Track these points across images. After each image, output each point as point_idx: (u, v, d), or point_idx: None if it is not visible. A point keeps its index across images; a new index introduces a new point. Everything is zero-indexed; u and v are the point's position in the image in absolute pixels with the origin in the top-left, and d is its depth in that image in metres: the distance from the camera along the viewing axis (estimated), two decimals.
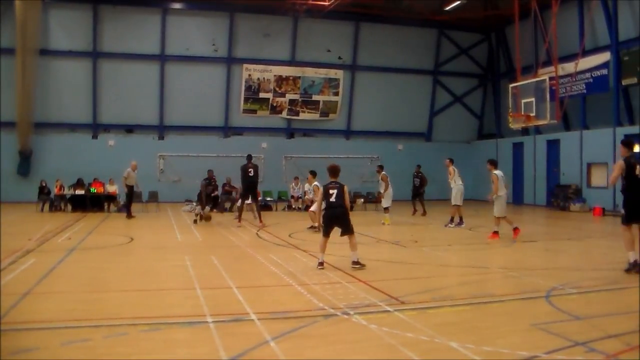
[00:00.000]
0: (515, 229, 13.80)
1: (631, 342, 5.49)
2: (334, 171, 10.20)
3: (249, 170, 17.55)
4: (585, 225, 18.32)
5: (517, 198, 27.93)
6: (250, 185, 17.60)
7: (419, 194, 21.96)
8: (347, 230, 9.80)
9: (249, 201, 18.37)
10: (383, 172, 18.93)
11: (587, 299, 7.66)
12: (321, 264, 9.72)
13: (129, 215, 19.93)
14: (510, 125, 21.69)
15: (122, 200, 23.29)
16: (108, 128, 28.58)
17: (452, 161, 17.77)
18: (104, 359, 5.13)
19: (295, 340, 5.66)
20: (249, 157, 18.15)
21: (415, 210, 21.67)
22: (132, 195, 20.27)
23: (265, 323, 6.17)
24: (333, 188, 9.92)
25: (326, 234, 9.90)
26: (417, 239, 14.27)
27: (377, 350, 5.40)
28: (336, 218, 9.87)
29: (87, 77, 27.52)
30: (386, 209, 18.34)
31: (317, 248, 10.66)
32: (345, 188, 9.95)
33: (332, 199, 9.85)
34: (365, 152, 30.08)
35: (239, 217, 17.77)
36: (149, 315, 6.59)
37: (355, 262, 9.66)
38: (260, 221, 17.19)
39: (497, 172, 13.88)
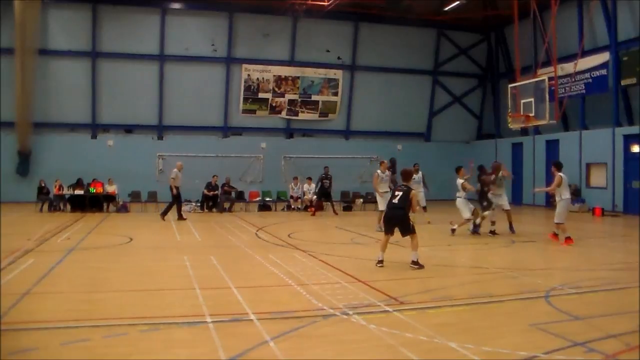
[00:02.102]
0: (567, 239, 12.77)
1: (631, 342, 5.50)
2: (407, 175, 10.68)
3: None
4: (585, 226, 18.31)
5: (516, 198, 27.92)
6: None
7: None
8: (407, 230, 10.03)
9: None
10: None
11: (586, 299, 7.66)
12: (380, 262, 9.96)
13: (180, 218, 19.09)
14: (509, 125, 21.65)
15: (121, 200, 23.36)
16: (107, 128, 28.57)
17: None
18: (103, 359, 5.13)
19: (294, 340, 5.66)
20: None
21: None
22: (180, 196, 19.51)
23: (264, 323, 6.17)
24: (399, 190, 10.25)
25: (388, 232, 10.20)
26: None
27: (377, 351, 5.40)
28: (396, 219, 10.12)
29: (86, 77, 27.51)
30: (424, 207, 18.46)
31: (316, 248, 10.71)
32: (413, 193, 10.21)
33: (395, 201, 10.14)
34: (365, 152, 30.07)
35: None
36: (149, 315, 6.58)
37: (415, 262, 9.85)
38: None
39: (561, 174, 12.97)
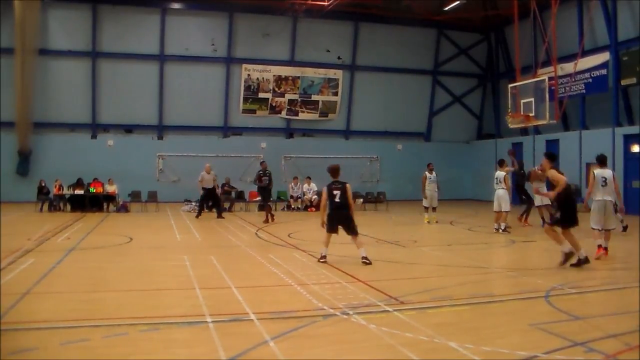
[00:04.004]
0: (599, 247, 10.83)
1: (630, 342, 5.49)
2: (335, 171, 10.42)
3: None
4: (584, 225, 18.24)
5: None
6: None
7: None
8: (352, 230, 10.10)
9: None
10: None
11: (586, 299, 7.67)
12: (323, 257, 10.02)
13: (220, 216, 20.00)
14: (509, 125, 21.68)
15: (121, 200, 23.36)
16: (107, 128, 28.58)
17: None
18: (103, 359, 5.13)
19: (294, 340, 5.66)
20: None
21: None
22: (208, 197, 20.68)
23: (264, 323, 6.16)
24: (336, 188, 10.14)
25: (331, 231, 10.21)
26: (417, 239, 14.28)
27: (377, 350, 5.40)
28: (341, 219, 10.15)
29: (86, 77, 27.52)
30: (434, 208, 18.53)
31: (315, 248, 10.69)
32: (348, 186, 10.17)
33: (337, 199, 10.10)
34: (365, 152, 30.07)
35: None
36: (148, 315, 6.58)
37: (365, 258, 9.94)
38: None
39: (598, 171, 11.08)
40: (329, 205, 10.29)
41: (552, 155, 10.78)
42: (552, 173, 10.06)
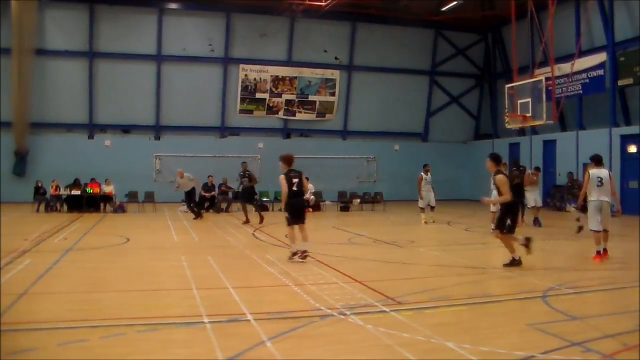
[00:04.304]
0: (597, 254, 10.51)
1: (628, 341, 5.50)
2: (290, 160, 10.71)
3: None
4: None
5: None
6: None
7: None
8: (303, 219, 10.41)
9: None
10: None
11: (583, 299, 7.68)
12: (295, 254, 10.14)
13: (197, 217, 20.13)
14: (506, 125, 21.71)
15: (118, 200, 23.31)
16: (104, 128, 28.55)
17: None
18: (101, 359, 5.12)
19: (291, 340, 5.66)
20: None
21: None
22: (190, 198, 20.70)
23: (261, 323, 6.16)
24: (295, 177, 10.40)
25: (295, 222, 10.40)
26: (414, 239, 14.28)
27: (374, 351, 5.40)
28: (301, 206, 10.45)
29: (83, 77, 27.47)
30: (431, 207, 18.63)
31: (313, 248, 10.67)
32: (302, 174, 10.53)
33: (295, 188, 10.32)
34: (362, 152, 30.08)
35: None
36: (146, 315, 6.57)
37: (304, 252, 10.11)
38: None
39: (593, 171, 10.71)
40: (288, 194, 10.37)
41: (496, 156, 10.09)
42: (499, 179, 9.70)
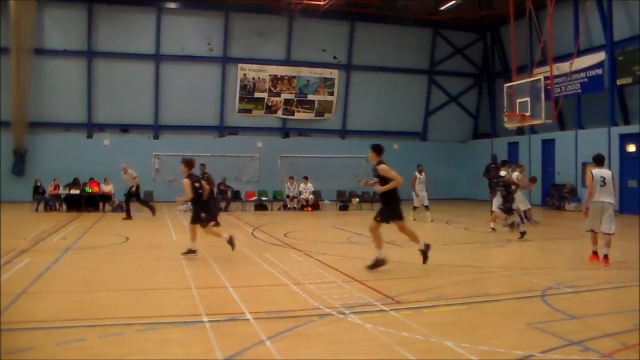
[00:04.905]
0: (594, 254, 10.39)
1: (626, 341, 5.51)
2: (192, 164, 11.25)
3: None
4: (581, 225, 18.14)
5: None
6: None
7: None
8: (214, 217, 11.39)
9: None
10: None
11: (582, 298, 7.68)
12: (194, 251, 10.83)
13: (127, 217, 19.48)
14: (505, 124, 21.73)
15: (117, 199, 23.28)
16: (103, 127, 28.52)
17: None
18: (99, 358, 5.12)
19: (290, 339, 5.66)
20: None
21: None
22: (128, 196, 19.95)
23: (260, 322, 6.16)
24: (197, 180, 11.10)
25: (207, 221, 11.25)
26: None
27: (373, 350, 5.40)
28: (207, 208, 11.29)
29: (82, 76, 27.44)
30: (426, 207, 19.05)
31: (312, 248, 10.68)
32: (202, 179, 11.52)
33: (200, 191, 10.98)
34: (361, 151, 29.86)
35: None
36: (145, 314, 6.57)
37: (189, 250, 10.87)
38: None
39: (595, 171, 10.33)
40: (195, 198, 10.93)
41: (378, 147, 10.08)
42: (382, 168, 9.70)
